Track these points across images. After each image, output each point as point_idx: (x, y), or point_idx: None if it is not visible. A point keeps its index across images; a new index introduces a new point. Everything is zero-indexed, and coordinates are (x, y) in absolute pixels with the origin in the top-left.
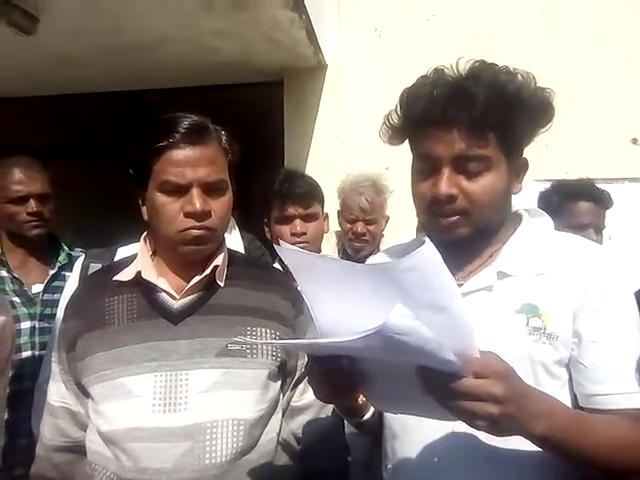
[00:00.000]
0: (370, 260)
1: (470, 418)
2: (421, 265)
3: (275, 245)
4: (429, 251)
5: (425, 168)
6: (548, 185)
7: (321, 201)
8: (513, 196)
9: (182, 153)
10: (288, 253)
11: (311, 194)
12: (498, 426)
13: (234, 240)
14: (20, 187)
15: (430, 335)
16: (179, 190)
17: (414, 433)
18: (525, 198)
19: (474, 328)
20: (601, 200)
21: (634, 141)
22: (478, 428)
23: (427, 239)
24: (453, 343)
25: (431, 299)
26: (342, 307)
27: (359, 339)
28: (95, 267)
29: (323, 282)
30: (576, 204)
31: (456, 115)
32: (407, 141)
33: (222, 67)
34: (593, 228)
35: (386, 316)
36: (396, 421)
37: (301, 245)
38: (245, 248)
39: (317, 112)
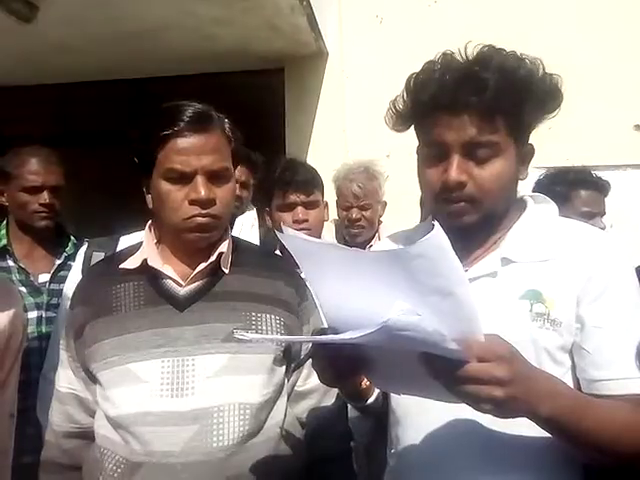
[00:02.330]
0: (373, 247)
1: (476, 402)
2: (430, 251)
3: (277, 232)
4: (439, 236)
5: (433, 154)
6: (542, 173)
7: (321, 189)
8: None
9: (186, 141)
10: (291, 239)
11: (312, 182)
12: (504, 408)
13: (251, 232)
14: (35, 177)
15: (431, 329)
16: (184, 178)
17: (416, 419)
18: (525, 185)
19: (479, 312)
20: (603, 188)
21: (636, 127)
22: (484, 411)
23: (437, 224)
24: (459, 327)
25: (438, 285)
26: (347, 294)
27: (361, 337)
28: (98, 256)
29: (327, 269)
30: (585, 192)
31: (466, 100)
32: (409, 128)
33: (223, 54)
34: (600, 216)
35: (391, 304)
36: (400, 407)
37: (303, 232)
38: (260, 240)
39: (318, 99)
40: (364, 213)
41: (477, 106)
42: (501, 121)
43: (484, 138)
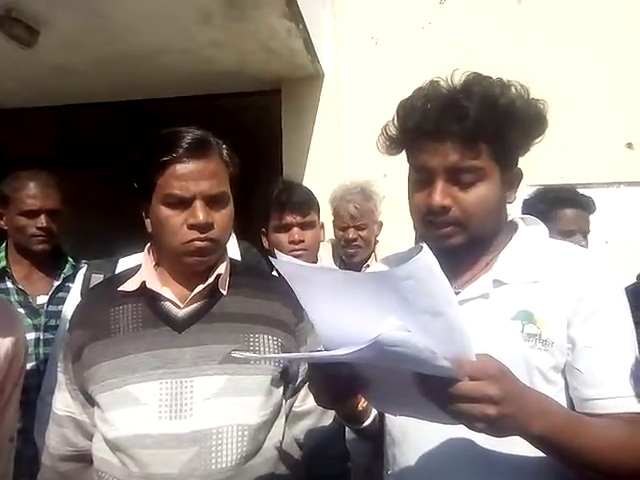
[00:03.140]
0: (370, 268)
1: (469, 420)
2: (418, 272)
3: (271, 258)
4: (426, 258)
5: (420, 179)
6: (531, 192)
7: (317, 210)
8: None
9: (185, 167)
10: (284, 265)
11: (308, 203)
12: (496, 427)
13: (230, 248)
14: (33, 201)
15: (422, 345)
16: (182, 203)
17: (413, 439)
18: (518, 203)
19: (470, 332)
20: (586, 206)
21: (629, 145)
22: (477, 430)
23: (425, 246)
24: (450, 347)
25: (428, 305)
26: (340, 316)
27: (353, 353)
28: (97, 278)
29: (319, 292)
30: (563, 211)
31: (449, 128)
32: (401, 152)
33: (219, 77)
34: (581, 234)
35: (383, 322)
36: (396, 427)
37: (299, 252)
38: (241, 256)
39: (314, 120)
40: (360, 233)
41: (459, 133)
42: (484, 147)
43: (467, 164)
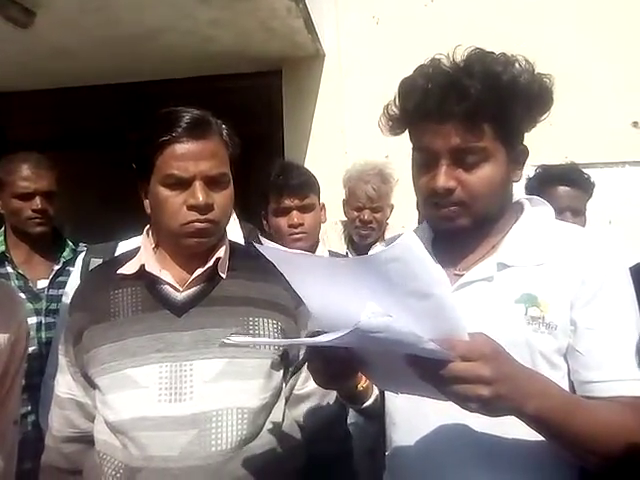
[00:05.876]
0: (372, 250)
1: (462, 401)
2: (401, 255)
3: (255, 244)
4: (409, 241)
5: (424, 161)
6: (534, 171)
7: (317, 192)
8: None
9: (185, 147)
10: (270, 251)
11: (307, 185)
12: (490, 407)
13: (233, 230)
14: (27, 183)
15: (406, 329)
16: (182, 184)
17: (412, 420)
18: (522, 183)
19: (461, 311)
20: (577, 183)
21: (635, 124)
22: (471, 410)
23: (408, 230)
24: (441, 328)
25: (415, 287)
26: (329, 299)
27: (336, 339)
28: (96, 262)
29: (307, 276)
30: (553, 188)
31: (450, 109)
32: (404, 132)
33: (220, 57)
34: (570, 211)
35: (363, 311)
36: (395, 408)
37: (299, 236)
38: (245, 238)
39: (316, 100)
40: (375, 215)
41: (460, 114)
42: (487, 127)
43: (470, 145)
